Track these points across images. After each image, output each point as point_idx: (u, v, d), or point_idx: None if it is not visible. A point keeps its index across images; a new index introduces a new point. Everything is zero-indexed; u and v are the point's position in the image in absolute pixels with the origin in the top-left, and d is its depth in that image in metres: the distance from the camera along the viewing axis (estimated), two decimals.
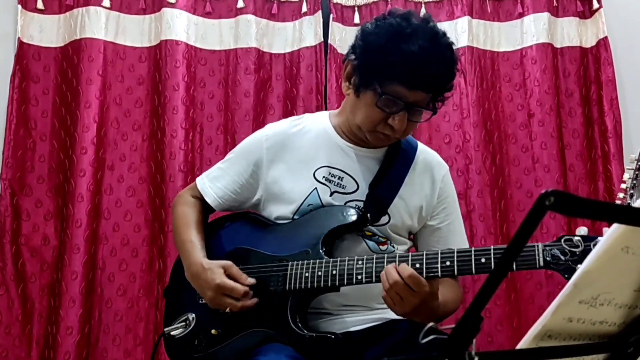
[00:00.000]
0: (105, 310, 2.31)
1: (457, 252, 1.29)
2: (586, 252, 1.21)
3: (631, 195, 1.51)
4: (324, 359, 1.37)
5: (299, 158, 1.53)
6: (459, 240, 1.59)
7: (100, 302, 2.31)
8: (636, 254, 0.66)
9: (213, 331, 1.47)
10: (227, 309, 1.41)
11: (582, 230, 1.25)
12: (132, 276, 2.35)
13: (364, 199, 1.49)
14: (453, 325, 0.58)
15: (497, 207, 2.52)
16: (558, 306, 0.67)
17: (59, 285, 2.28)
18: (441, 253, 1.31)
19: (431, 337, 0.62)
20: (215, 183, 1.61)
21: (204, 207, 1.64)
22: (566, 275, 1.22)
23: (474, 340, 0.58)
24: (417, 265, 1.30)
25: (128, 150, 2.44)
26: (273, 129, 1.61)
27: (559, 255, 1.23)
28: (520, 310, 2.43)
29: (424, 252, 1.32)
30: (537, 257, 1.24)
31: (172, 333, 1.51)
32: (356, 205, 1.49)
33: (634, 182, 1.51)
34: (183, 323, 1.51)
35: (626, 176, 1.53)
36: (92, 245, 2.33)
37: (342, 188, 1.50)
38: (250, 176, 1.57)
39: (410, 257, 1.32)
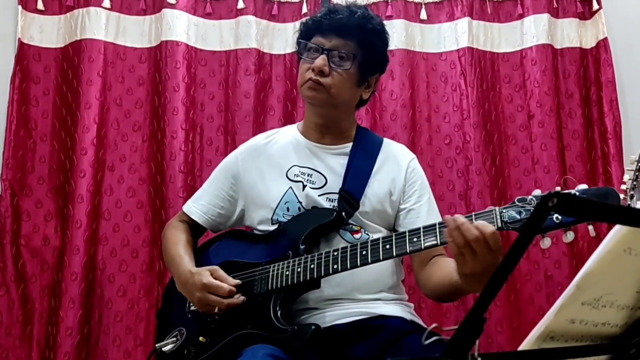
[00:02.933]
0: (105, 311, 2.30)
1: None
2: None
3: (631, 197, 1.51)
4: (310, 354, 1.39)
5: (271, 163, 1.66)
6: (435, 219, 1.60)
7: (101, 303, 2.31)
8: (639, 255, 0.66)
9: (201, 338, 1.52)
10: (216, 309, 1.45)
11: (537, 192, 1.33)
12: (132, 277, 2.34)
13: (333, 191, 1.58)
14: (455, 327, 0.58)
15: None
16: (560, 308, 0.68)
17: (59, 286, 2.28)
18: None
19: (434, 338, 0.62)
20: (199, 202, 1.73)
21: (193, 230, 1.73)
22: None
23: (477, 342, 0.58)
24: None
25: (128, 151, 2.44)
26: (246, 145, 1.76)
27: (515, 215, 1.28)
28: (520, 311, 2.43)
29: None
30: (495, 220, 1.29)
31: (163, 349, 1.55)
32: (327, 198, 1.58)
33: (634, 183, 1.51)
34: (174, 338, 1.56)
35: (626, 177, 1.53)
36: (92, 246, 2.33)
37: (313, 184, 1.60)
38: (230, 189, 1.69)
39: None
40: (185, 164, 2.43)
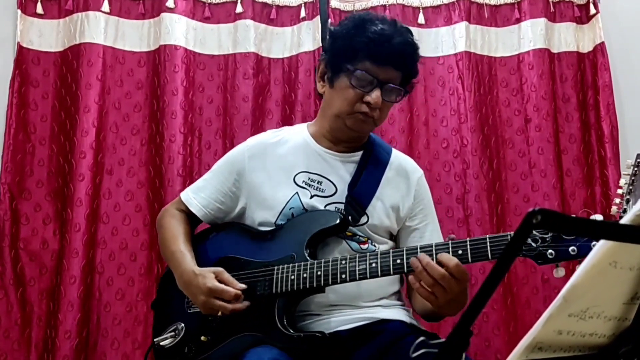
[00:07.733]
0: (103, 315, 2.31)
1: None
2: (555, 238, 1.24)
3: (627, 201, 1.52)
4: (314, 359, 1.39)
5: (278, 165, 1.60)
6: (437, 239, 1.62)
7: (99, 306, 2.31)
8: (624, 269, 0.67)
9: (202, 338, 1.50)
10: (219, 313, 1.44)
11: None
12: (130, 280, 2.35)
13: (342, 200, 1.55)
14: (443, 340, 0.59)
15: (494, 212, 2.53)
16: (548, 319, 0.68)
17: (58, 289, 2.29)
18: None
19: (422, 350, 0.63)
20: (199, 193, 1.67)
21: (190, 220, 1.68)
22: (539, 261, 1.26)
23: (464, 355, 0.59)
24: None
25: (127, 154, 2.45)
26: (254, 140, 1.70)
27: (530, 242, 1.27)
28: (517, 314, 2.43)
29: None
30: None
31: (161, 343, 1.54)
32: (336, 207, 1.54)
33: (630, 187, 1.52)
34: (172, 333, 1.54)
35: (622, 181, 1.54)
36: (90, 249, 2.34)
37: (322, 192, 1.57)
38: (233, 185, 1.64)
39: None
40: (184, 167, 2.44)
